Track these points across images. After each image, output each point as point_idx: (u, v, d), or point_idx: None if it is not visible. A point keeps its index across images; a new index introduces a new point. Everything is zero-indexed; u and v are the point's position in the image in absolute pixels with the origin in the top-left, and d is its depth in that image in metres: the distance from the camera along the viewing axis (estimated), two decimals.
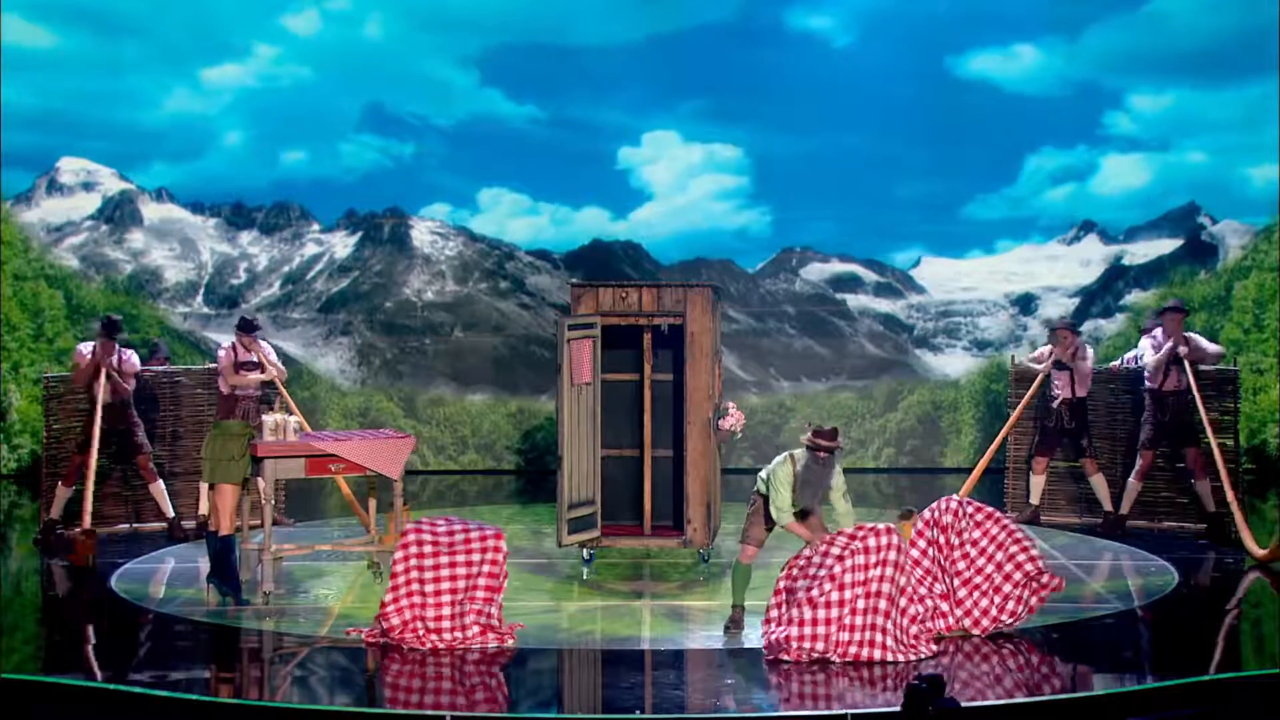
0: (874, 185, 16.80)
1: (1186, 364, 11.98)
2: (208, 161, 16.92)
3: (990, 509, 9.02)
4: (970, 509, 8.95)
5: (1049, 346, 12.71)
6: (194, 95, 16.72)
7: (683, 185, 17.07)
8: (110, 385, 11.88)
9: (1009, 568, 8.83)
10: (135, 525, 12.53)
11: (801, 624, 8.18)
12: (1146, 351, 12.33)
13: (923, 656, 8.25)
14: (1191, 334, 12.38)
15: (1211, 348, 12.32)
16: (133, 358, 12.28)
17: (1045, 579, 8.86)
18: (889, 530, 8.38)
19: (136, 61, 16.67)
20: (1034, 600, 8.87)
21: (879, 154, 16.73)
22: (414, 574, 8.59)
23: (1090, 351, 12.62)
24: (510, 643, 8.57)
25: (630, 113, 16.99)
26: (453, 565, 8.62)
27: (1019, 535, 8.96)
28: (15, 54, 16.06)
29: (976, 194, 16.96)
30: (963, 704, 6.51)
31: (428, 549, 8.63)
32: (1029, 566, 8.85)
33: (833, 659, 8.13)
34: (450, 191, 17.01)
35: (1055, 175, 16.96)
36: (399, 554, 8.65)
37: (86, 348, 12.06)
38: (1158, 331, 12.28)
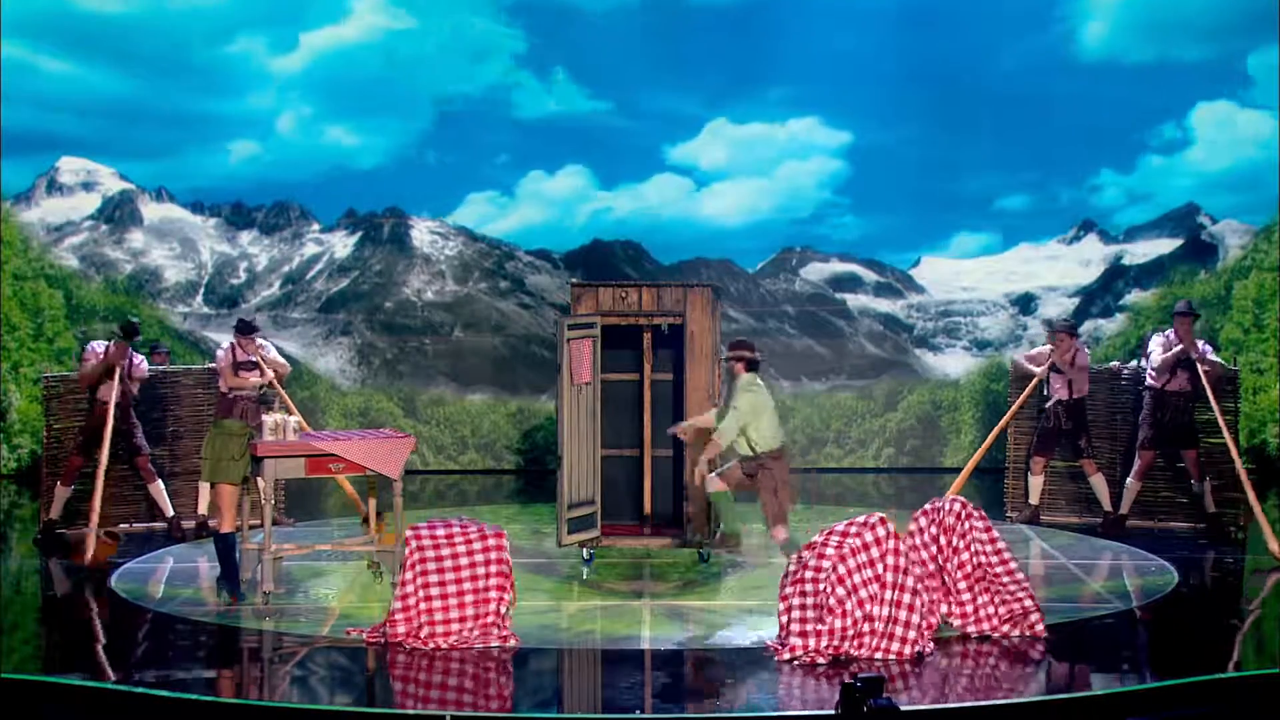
0: (964, 172, 16.83)
1: (1199, 366, 11.91)
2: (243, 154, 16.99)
3: (995, 535, 8.95)
4: (976, 519, 8.89)
5: (1048, 346, 12.69)
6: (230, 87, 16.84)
7: (761, 172, 17.10)
8: (120, 388, 11.87)
9: (1005, 580, 8.82)
10: (134, 525, 12.53)
11: (825, 634, 8.14)
12: (1156, 350, 12.25)
13: (924, 651, 8.24)
14: (1204, 343, 12.27)
15: (1218, 363, 12.22)
16: (143, 364, 12.28)
17: (1033, 619, 8.82)
18: (884, 521, 8.37)
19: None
20: (1022, 625, 8.82)
21: (967, 140, 16.71)
22: (419, 580, 8.58)
23: (1087, 355, 12.60)
24: (512, 642, 8.57)
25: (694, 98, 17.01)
26: (457, 569, 8.61)
27: (1013, 568, 8.90)
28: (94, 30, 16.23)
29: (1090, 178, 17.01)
30: (904, 706, 6.49)
31: (429, 554, 8.62)
32: (1025, 601, 8.82)
33: (851, 655, 8.12)
34: (494, 181, 17.06)
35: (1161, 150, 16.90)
36: (406, 563, 8.63)
37: (99, 346, 12.04)
38: (1170, 333, 12.22)
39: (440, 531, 8.69)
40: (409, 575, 8.59)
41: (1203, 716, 7.64)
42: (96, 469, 11.57)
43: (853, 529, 8.34)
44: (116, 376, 11.79)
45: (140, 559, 11.23)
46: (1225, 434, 11.74)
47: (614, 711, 7.36)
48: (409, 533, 8.73)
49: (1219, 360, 12.25)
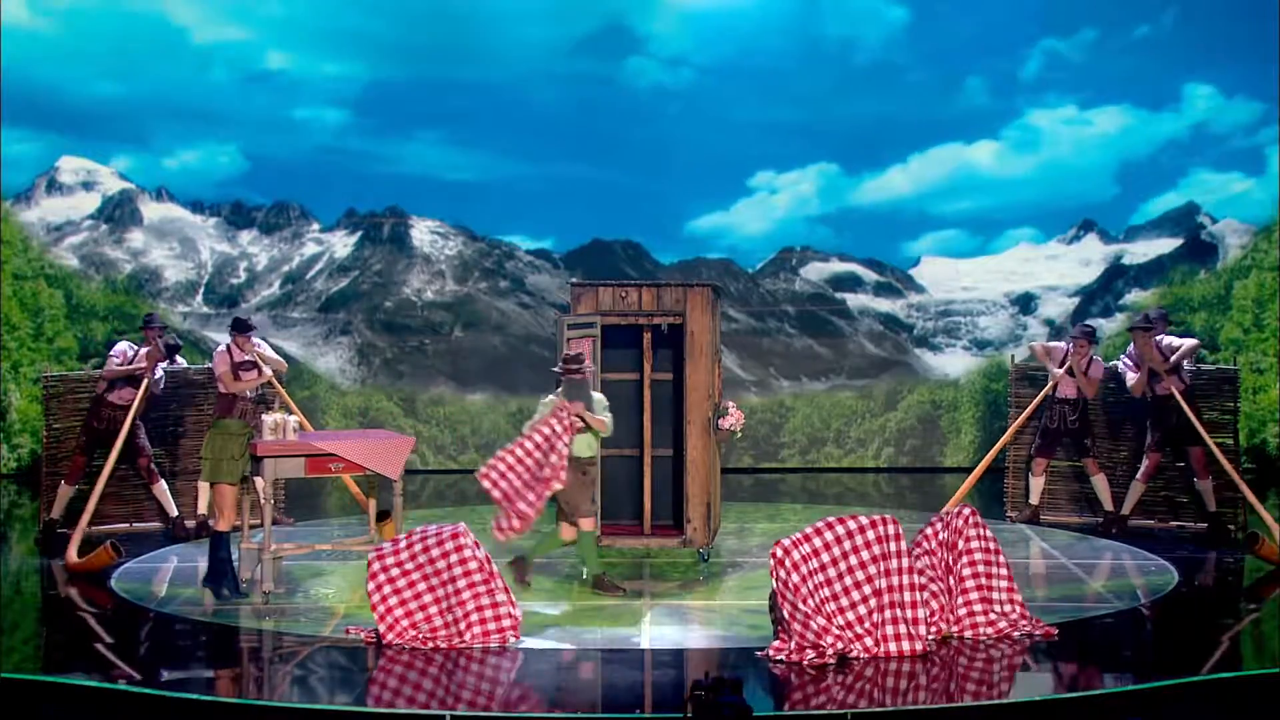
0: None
1: (1166, 378, 11.94)
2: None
3: (995, 546, 8.97)
4: (983, 529, 8.89)
5: (1064, 345, 12.62)
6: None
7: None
8: (145, 395, 11.89)
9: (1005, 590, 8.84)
10: (135, 525, 12.53)
11: (823, 633, 8.14)
12: (1128, 376, 12.27)
13: (924, 650, 8.24)
14: (1162, 338, 12.20)
15: (1183, 343, 12.19)
16: (162, 379, 12.26)
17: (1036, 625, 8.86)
18: (888, 521, 8.38)
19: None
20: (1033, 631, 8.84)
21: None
22: (394, 599, 8.58)
23: (1102, 368, 12.52)
24: (511, 641, 8.57)
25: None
26: (425, 577, 8.60)
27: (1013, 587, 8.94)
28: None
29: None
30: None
31: (394, 571, 8.61)
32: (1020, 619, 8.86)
33: (851, 656, 8.13)
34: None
35: None
36: (370, 586, 8.62)
37: (130, 351, 11.99)
38: (1131, 350, 12.23)
39: (403, 543, 8.67)
40: (375, 599, 8.58)
41: (1203, 716, 7.64)
42: (102, 469, 11.55)
43: (852, 525, 8.34)
44: (144, 385, 11.77)
45: (141, 559, 11.23)
46: (1205, 439, 11.80)
47: (614, 711, 7.36)
48: (371, 556, 8.71)
49: (1175, 344, 12.14)
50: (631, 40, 17.07)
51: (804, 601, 8.16)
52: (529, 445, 9.78)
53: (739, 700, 6.07)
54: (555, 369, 10.27)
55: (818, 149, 17.05)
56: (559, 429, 9.80)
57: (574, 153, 16.88)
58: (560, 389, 10.08)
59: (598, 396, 10.22)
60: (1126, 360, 12.33)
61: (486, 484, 9.79)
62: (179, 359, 13.31)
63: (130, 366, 11.90)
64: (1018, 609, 8.80)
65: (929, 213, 17.17)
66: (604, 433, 10.15)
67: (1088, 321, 13.94)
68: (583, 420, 9.93)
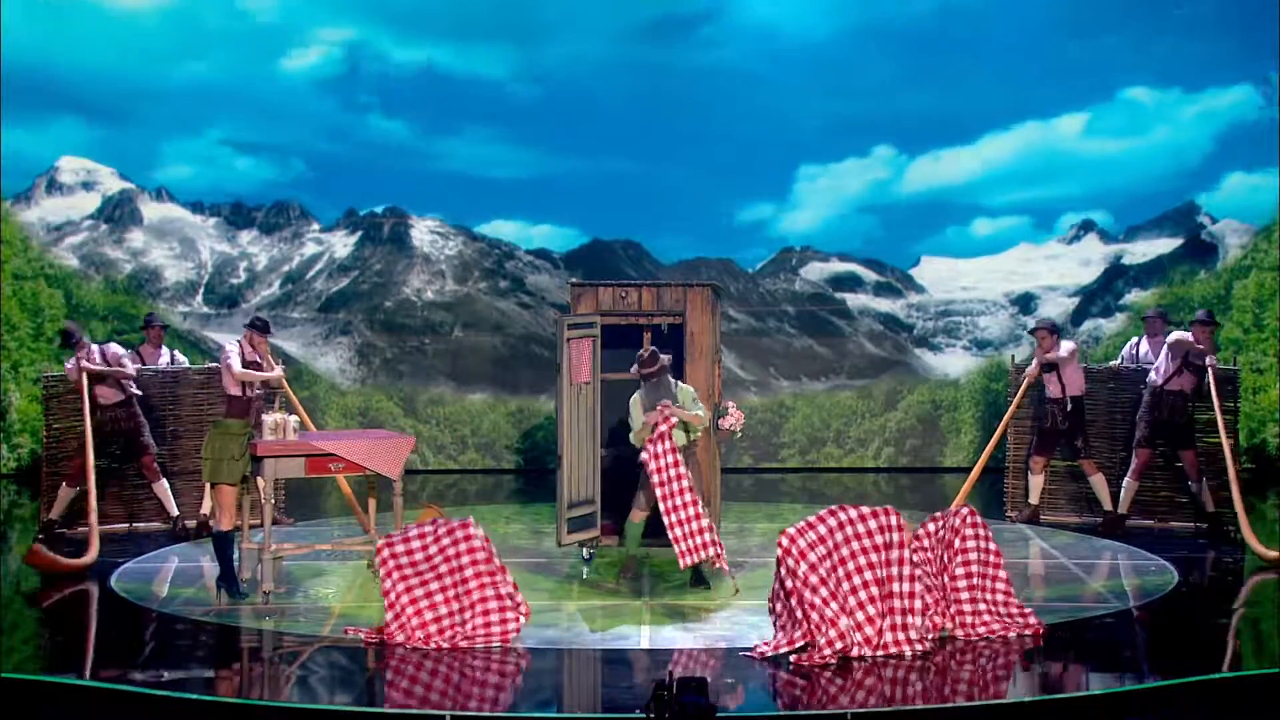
0: None
1: (1210, 372, 11.90)
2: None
3: (994, 547, 8.98)
4: (980, 529, 8.91)
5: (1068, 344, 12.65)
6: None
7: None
8: (110, 384, 11.88)
9: (1001, 591, 8.85)
10: (135, 525, 12.54)
11: (830, 633, 8.15)
12: (1163, 362, 12.23)
13: (923, 651, 8.25)
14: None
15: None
16: (111, 348, 12.26)
17: (1030, 620, 8.86)
18: (890, 512, 8.40)
19: None
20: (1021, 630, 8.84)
21: None
22: (400, 586, 8.60)
23: (1066, 345, 12.52)
24: (514, 636, 8.57)
25: None
26: (433, 567, 8.63)
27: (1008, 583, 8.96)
28: None
29: None
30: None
31: (404, 560, 8.64)
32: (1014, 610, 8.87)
33: (853, 654, 8.13)
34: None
35: None
36: (381, 573, 8.65)
37: (69, 364, 12.09)
38: (1189, 335, 12.14)
39: (413, 532, 8.71)
40: (388, 585, 8.61)
41: (1203, 716, 7.64)
42: (106, 470, 11.56)
43: (853, 514, 8.36)
44: (84, 380, 11.78)
45: (141, 559, 11.24)
46: (1223, 437, 11.75)
47: (614, 711, 7.36)
48: (380, 542, 8.74)
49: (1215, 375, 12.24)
50: (688, 26, 16.99)
51: (814, 591, 8.17)
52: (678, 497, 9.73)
53: (703, 700, 6.07)
54: (632, 373, 10.14)
55: (881, 133, 16.99)
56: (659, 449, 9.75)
57: (617, 147, 16.82)
58: (641, 391, 10.02)
59: (685, 388, 10.19)
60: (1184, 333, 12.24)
61: (711, 552, 9.73)
62: (156, 319, 13.35)
63: (76, 375, 11.93)
64: (1011, 610, 8.80)
65: (995, 201, 17.15)
66: (701, 424, 10.11)
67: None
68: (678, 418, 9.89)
